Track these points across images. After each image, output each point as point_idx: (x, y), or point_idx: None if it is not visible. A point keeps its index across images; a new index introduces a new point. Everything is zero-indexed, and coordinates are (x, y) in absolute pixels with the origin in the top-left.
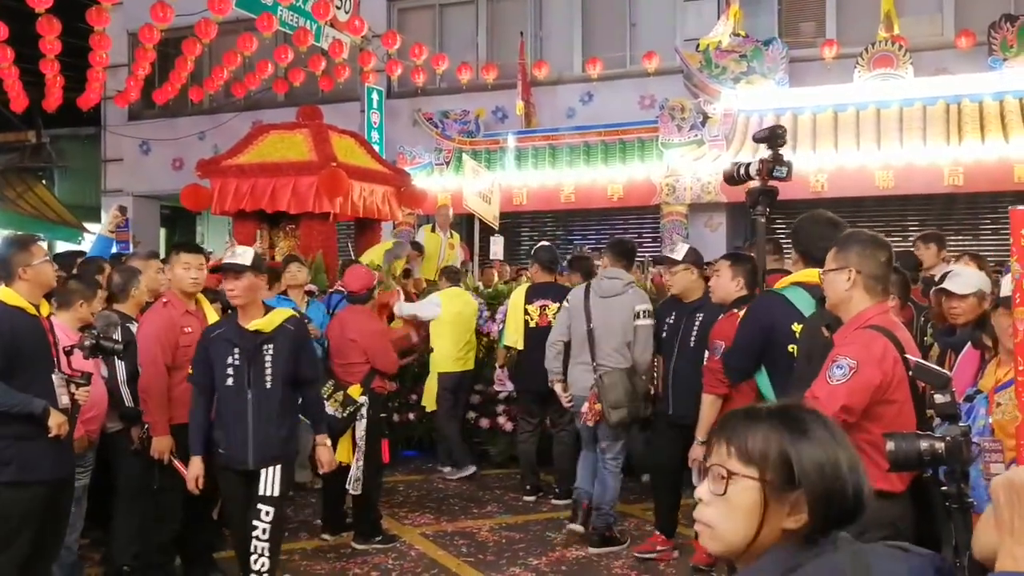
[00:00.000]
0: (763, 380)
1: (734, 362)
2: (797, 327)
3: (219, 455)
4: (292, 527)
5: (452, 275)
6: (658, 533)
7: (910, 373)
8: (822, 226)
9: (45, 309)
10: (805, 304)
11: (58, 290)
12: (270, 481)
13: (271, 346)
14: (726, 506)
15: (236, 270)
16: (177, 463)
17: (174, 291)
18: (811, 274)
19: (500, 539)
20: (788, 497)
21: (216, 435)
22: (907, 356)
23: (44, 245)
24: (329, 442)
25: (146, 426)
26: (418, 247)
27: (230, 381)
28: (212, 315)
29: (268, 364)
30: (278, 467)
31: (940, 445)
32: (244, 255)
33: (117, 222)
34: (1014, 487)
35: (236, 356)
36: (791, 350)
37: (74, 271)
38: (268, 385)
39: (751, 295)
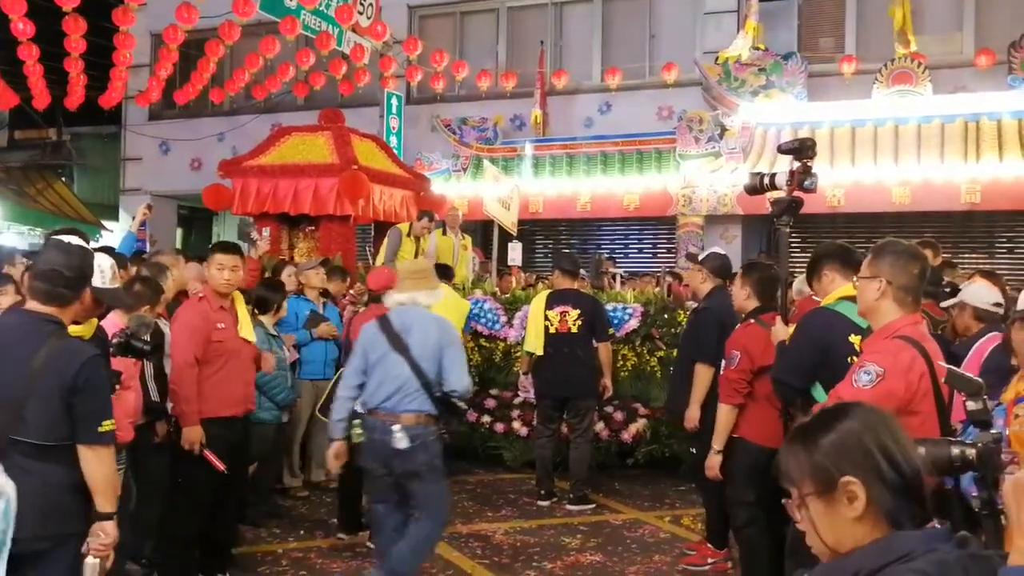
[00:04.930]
0: (819, 394)
1: (790, 379)
2: (855, 338)
3: None
4: (307, 525)
5: (438, 271)
6: (708, 545)
7: (943, 381)
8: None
9: None
10: (858, 316)
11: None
12: None
13: None
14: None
15: None
16: (209, 453)
17: (209, 288)
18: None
19: (515, 542)
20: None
21: None
22: (939, 364)
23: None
24: None
25: (173, 419)
26: (431, 217)
27: None
28: (244, 314)
29: None
30: None
31: (971, 451)
32: None
33: (144, 219)
34: (1020, 487)
35: None
36: (851, 361)
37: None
38: None
39: (763, 306)
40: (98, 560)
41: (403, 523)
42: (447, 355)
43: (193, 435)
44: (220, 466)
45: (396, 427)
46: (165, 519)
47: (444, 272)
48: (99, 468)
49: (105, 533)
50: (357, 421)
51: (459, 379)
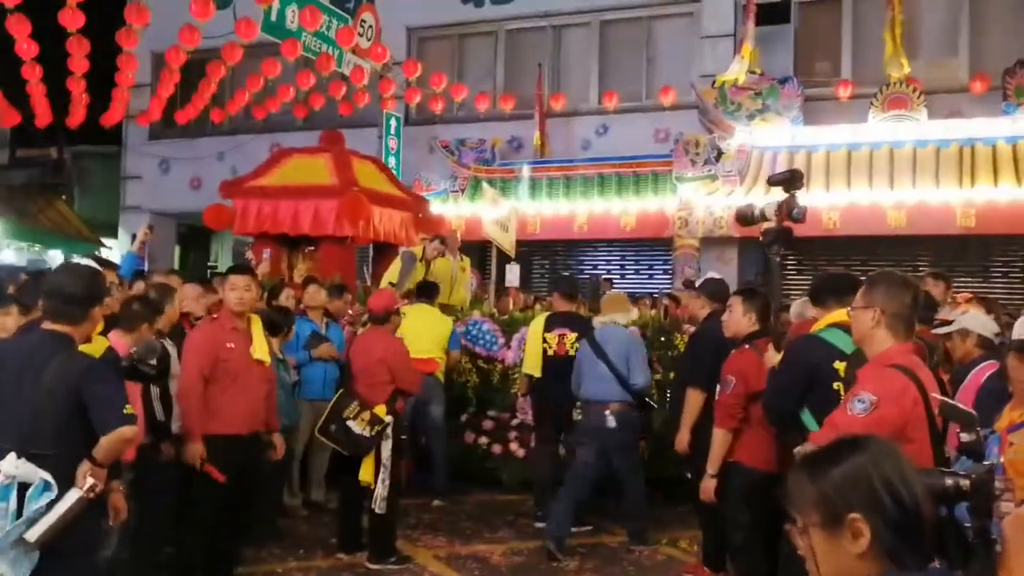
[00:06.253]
0: (808, 419)
1: (775, 405)
2: (840, 364)
3: None
4: (307, 544)
5: (423, 291)
6: (705, 568)
7: (938, 412)
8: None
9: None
10: (844, 343)
11: (123, 311)
12: None
13: None
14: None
15: None
16: (209, 467)
17: (224, 309)
18: (844, 314)
19: (512, 563)
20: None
21: None
22: (933, 395)
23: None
24: None
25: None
26: (443, 240)
27: None
28: (260, 336)
29: None
30: None
31: (965, 482)
32: None
33: (145, 240)
34: (1020, 522)
35: None
36: (837, 387)
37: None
38: None
39: (763, 331)
40: (82, 493)
41: (589, 474)
42: (633, 358)
43: (193, 451)
44: (220, 477)
45: (607, 412)
46: (169, 536)
47: (428, 291)
48: (114, 444)
49: (95, 474)
50: (578, 405)
51: (639, 376)
